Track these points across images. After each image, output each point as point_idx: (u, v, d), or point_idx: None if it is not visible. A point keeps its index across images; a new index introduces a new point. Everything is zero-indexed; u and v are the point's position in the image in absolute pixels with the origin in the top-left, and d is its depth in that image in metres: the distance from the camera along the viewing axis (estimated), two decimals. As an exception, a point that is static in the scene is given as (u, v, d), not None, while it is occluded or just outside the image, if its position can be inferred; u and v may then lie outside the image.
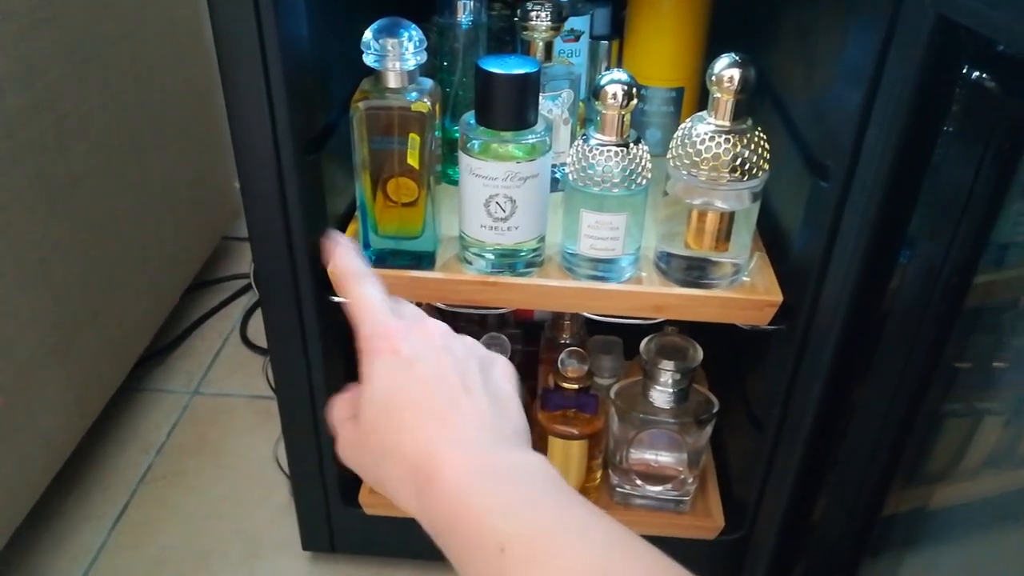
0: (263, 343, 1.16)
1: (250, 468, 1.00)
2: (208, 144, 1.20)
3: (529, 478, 0.36)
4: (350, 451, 0.41)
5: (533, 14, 0.68)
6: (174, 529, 0.93)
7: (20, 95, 0.75)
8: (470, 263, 0.65)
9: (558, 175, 0.71)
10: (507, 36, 0.77)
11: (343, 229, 0.69)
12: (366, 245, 0.65)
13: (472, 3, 0.70)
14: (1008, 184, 0.48)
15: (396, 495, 0.39)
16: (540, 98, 0.69)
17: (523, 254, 0.64)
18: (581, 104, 0.76)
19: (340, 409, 0.43)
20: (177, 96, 1.09)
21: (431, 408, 0.38)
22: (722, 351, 0.82)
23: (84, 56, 0.86)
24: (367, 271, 0.44)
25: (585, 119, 0.77)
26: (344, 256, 0.45)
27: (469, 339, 0.44)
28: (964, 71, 0.48)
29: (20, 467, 0.80)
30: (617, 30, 0.84)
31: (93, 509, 0.95)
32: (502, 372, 0.42)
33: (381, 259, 0.65)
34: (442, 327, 0.43)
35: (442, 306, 0.68)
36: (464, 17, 0.71)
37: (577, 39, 0.79)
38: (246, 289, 1.31)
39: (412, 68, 0.58)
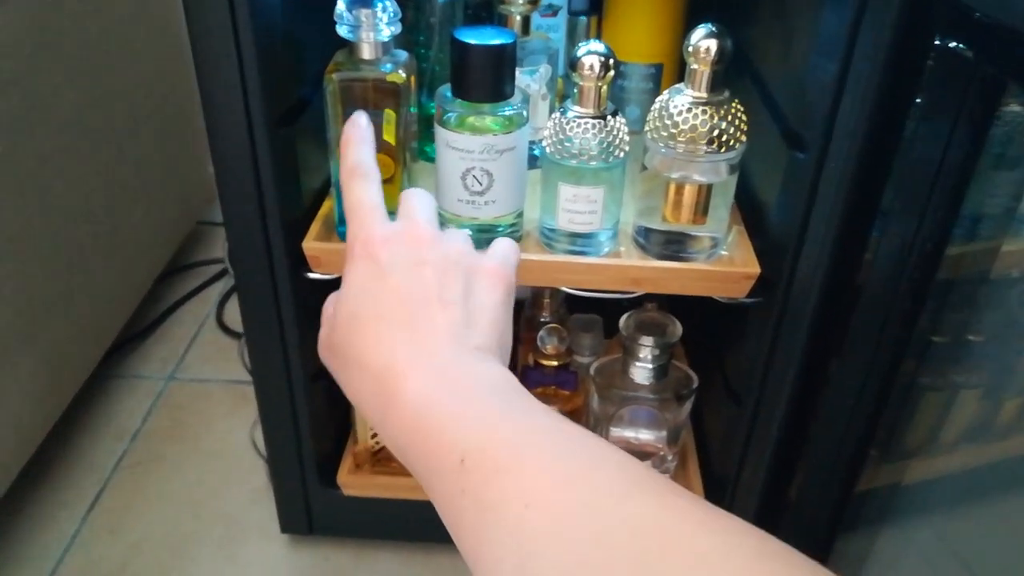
0: (239, 328, 1.15)
1: (227, 452, 0.99)
2: (182, 127, 1.18)
3: (488, 389, 0.35)
4: (322, 349, 0.41)
5: (510, -13, 0.68)
6: (150, 515, 0.91)
7: (-15, 71, 0.74)
8: (447, 239, 0.64)
9: (536, 152, 0.71)
10: (484, 12, 0.76)
11: (318, 206, 0.68)
12: (341, 221, 0.64)
13: (448, -23, 0.70)
14: (979, 152, 0.48)
15: (361, 405, 0.38)
16: (518, 73, 0.68)
17: (501, 229, 0.64)
18: (559, 80, 0.76)
19: (328, 304, 0.42)
20: (149, 77, 1.08)
21: (397, 321, 0.37)
22: (701, 327, 0.83)
23: (52, 33, 0.84)
24: (371, 171, 0.45)
25: (563, 95, 0.76)
26: (356, 151, 0.45)
27: (463, 243, 0.42)
28: (936, 41, 0.49)
29: (-10, 452, 0.79)
30: (595, 6, 0.83)
31: (67, 496, 0.93)
32: (487, 283, 0.40)
33: (357, 235, 0.64)
34: (434, 234, 0.41)
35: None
36: (440, -9, 0.70)
37: (555, 14, 0.79)
38: (222, 274, 1.30)
39: (386, 39, 0.57)
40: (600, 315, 0.90)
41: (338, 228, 0.65)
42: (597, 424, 0.78)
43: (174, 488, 0.95)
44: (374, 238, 0.40)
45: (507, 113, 0.59)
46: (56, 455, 0.97)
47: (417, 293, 0.38)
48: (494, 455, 0.31)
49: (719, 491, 0.78)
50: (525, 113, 0.60)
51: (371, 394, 0.37)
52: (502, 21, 0.70)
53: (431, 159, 0.76)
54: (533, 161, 0.69)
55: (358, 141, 0.46)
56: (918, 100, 0.52)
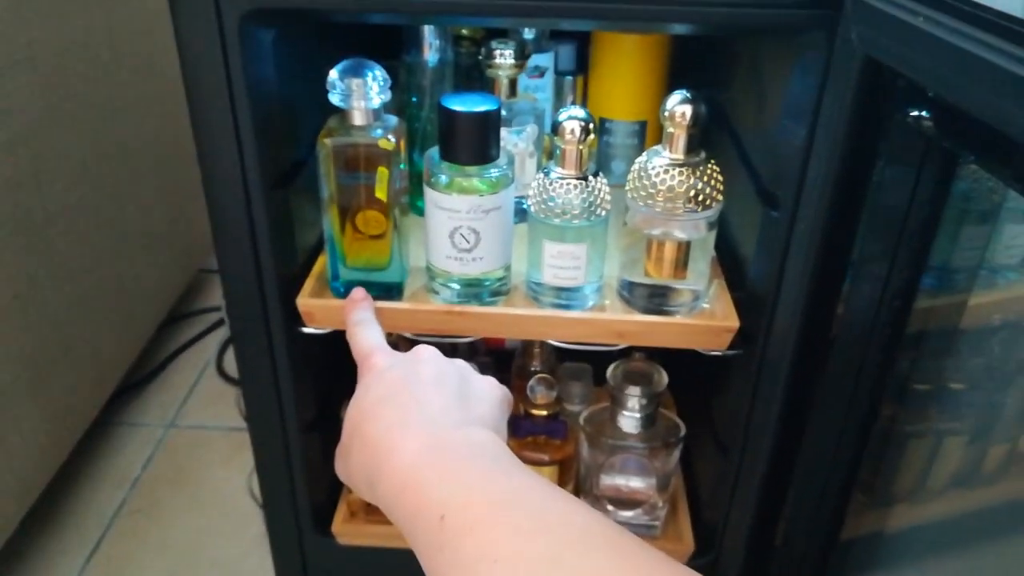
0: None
1: (225, 500, 1.00)
2: (183, 179, 1.22)
3: (474, 453, 0.37)
4: (336, 461, 0.45)
5: (497, 52, 0.71)
6: (149, 562, 0.92)
7: (-4, 134, 0.77)
8: (437, 293, 0.67)
9: (525, 207, 0.73)
10: (475, 72, 0.80)
11: (312, 261, 0.70)
12: (335, 276, 0.66)
13: (438, 42, 0.73)
14: (940, 210, 0.50)
15: (358, 483, 0.41)
16: (505, 132, 0.71)
17: (488, 284, 0.66)
18: (547, 138, 0.79)
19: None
20: (152, 133, 1.11)
21: (396, 400, 0.41)
22: (688, 377, 0.84)
23: (60, 96, 0.87)
24: (371, 320, 0.53)
25: (550, 152, 0.79)
26: (359, 308, 0.56)
27: (464, 363, 0.47)
28: (896, 108, 0.51)
29: (-8, 502, 0.81)
30: (582, 66, 0.86)
31: (67, 543, 0.94)
32: (486, 384, 0.45)
33: (350, 290, 0.66)
34: (437, 353, 0.46)
35: (411, 336, 0.70)
36: (431, 55, 0.73)
37: (542, 75, 0.82)
38: (222, 322, 1.32)
39: (377, 107, 0.60)
40: (589, 363, 0.91)
41: (331, 284, 0.67)
42: (588, 472, 0.79)
43: (173, 536, 0.96)
44: (377, 356, 0.46)
45: (493, 175, 0.61)
46: (58, 502, 0.99)
47: (414, 379, 0.43)
48: (470, 513, 0.33)
49: (709, 537, 0.79)
50: (511, 174, 0.63)
51: (367, 466, 0.39)
52: (489, 84, 0.73)
53: (422, 213, 0.79)
54: (523, 215, 0.71)
55: (360, 300, 0.58)
56: (882, 161, 0.54)
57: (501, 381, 0.92)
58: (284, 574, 0.86)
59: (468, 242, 0.63)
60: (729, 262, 0.70)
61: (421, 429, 0.39)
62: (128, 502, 1.00)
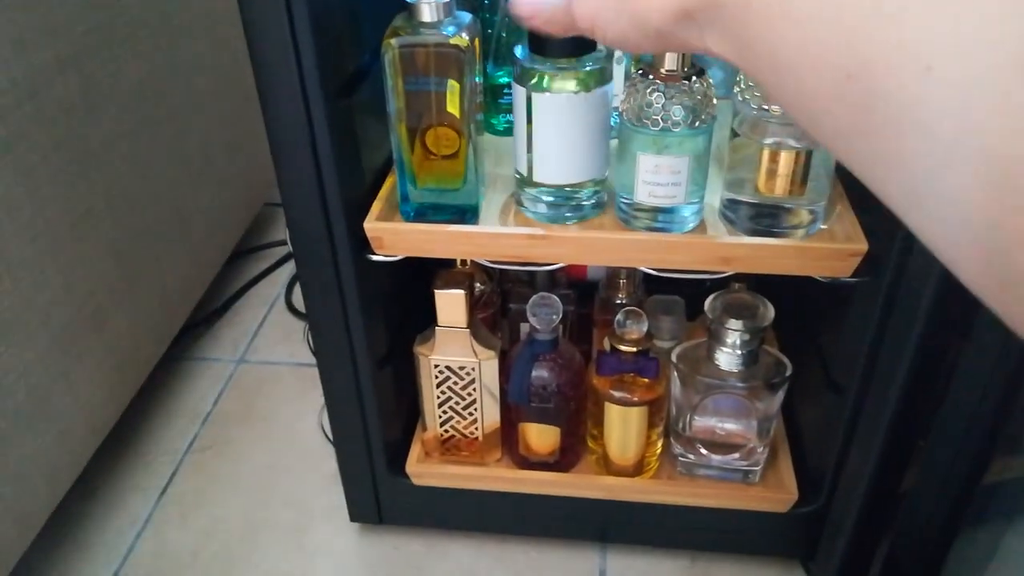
0: (307, 310, 1.13)
1: (296, 437, 0.98)
2: (246, 107, 1.16)
3: None
4: None
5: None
6: (221, 499, 0.91)
7: (43, 53, 0.72)
8: (525, 206, 0.60)
9: (614, 122, 0.65)
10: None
11: (380, 184, 0.64)
12: (404, 199, 0.60)
13: (514, -68, 0.64)
14: None
15: None
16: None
17: (582, 195, 0.58)
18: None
19: None
20: (212, 57, 1.06)
21: None
22: (795, 308, 0.76)
23: (110, 13, 0.82)
24: None
25: (638, 56, 0.70)
26: None
27: None
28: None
29: (61, 438, 0.79)
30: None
31: (139, 480, 0.93)
32: None
33: (421, 214, 0.60)
34: None
35: (487, 263, 0.63)
36: (506, -52, 0.65)
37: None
38: (290, 256, 1.29)
39: (447, 0, 0.52)
40: (680, 295, 0.84)
41: (401, 207, 0.61)
42: (679, 413, 0.73)
43: (244, 473, 0.94)
44: None
45: (589, 68, 0.54)
46: (129, 438, 0.98)
47: None
48: None
49: (815, 487, 0.72)
50: (609, 69, 0.55)
51: None
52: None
53: (497, 132, 0.72)
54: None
55: None
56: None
57: (583, 316, 0.85)
58: (357, 515, 0.83)
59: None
60: (853, 178, 0.61)
61: None
62: (200, 438, 0.98)
